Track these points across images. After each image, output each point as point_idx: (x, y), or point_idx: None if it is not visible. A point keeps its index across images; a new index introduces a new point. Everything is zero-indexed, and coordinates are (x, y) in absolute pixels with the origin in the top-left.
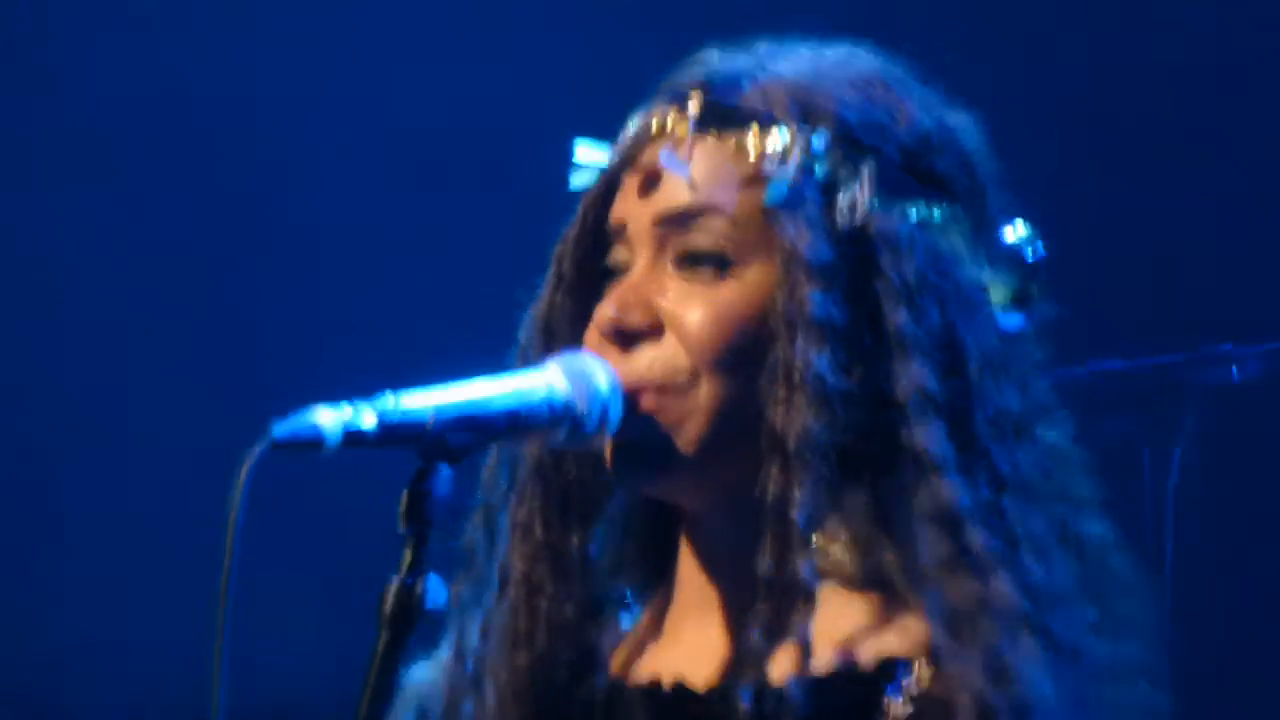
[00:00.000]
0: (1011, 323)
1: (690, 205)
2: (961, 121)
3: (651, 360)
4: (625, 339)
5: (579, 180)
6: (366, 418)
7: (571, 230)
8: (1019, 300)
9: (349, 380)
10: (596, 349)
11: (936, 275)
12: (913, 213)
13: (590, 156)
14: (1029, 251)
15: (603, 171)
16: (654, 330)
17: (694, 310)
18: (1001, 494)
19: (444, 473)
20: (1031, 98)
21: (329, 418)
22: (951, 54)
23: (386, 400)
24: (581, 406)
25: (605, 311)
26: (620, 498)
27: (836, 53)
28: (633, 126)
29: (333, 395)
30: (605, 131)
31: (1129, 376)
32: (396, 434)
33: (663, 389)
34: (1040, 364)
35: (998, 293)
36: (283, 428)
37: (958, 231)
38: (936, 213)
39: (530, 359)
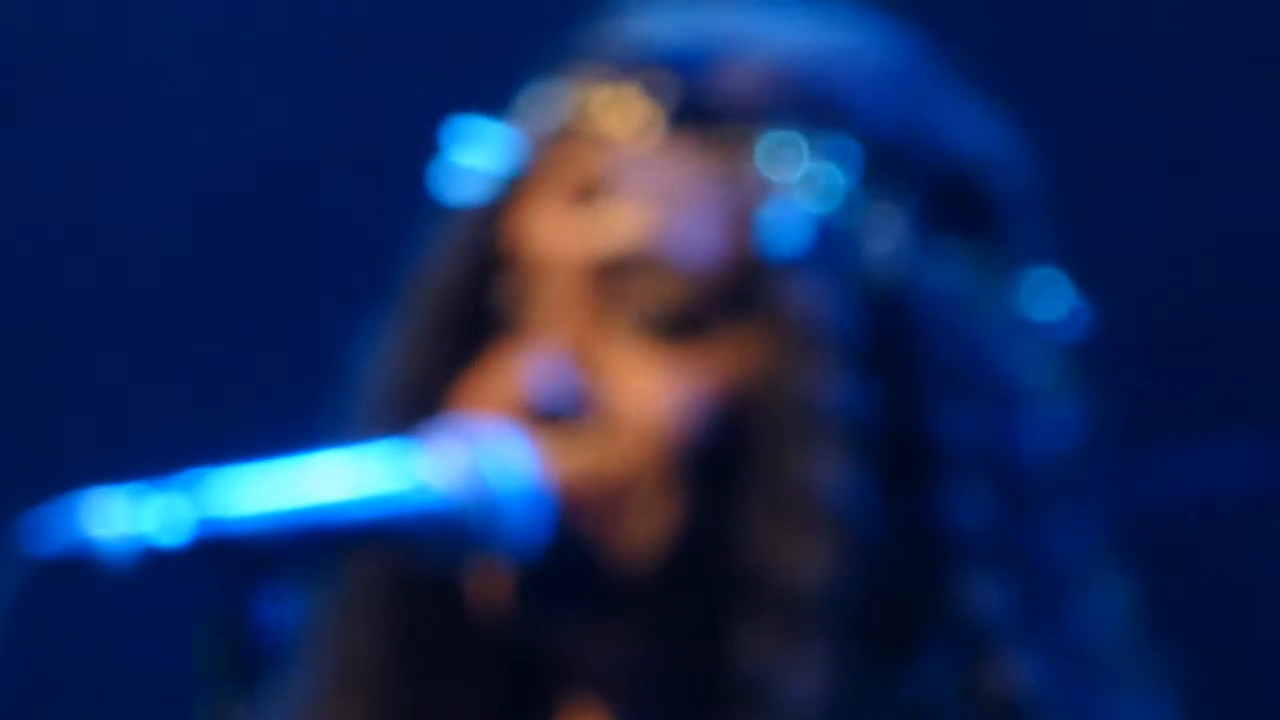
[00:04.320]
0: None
1: (654, 248)
2: (1004, 141)
3: (592, 458)
4: (542, 422)
5: (462, 191)
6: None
7: (455, 243)
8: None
9: (112, 451)
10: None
11: (985, 357)
12: (952, 267)
13: (476, 157)
14: (1074, 322)
15: (507, 179)
16: (582, 413)
17: (649, 390)
18: (1085, 676)
19: (275, 594)
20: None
21: (110, 521)
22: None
23: (201, 489)
24: (482, 512)
25: (514, 381)
26: (482, 651)
27: (837, 33)
28: (557, 98)
29: (93, 474)
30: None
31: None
32: (216, 549)
33: (605, 502)
34: (1086, 488)
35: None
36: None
37: (999, 294)
38: (979, 268)
39: (384, 427)
